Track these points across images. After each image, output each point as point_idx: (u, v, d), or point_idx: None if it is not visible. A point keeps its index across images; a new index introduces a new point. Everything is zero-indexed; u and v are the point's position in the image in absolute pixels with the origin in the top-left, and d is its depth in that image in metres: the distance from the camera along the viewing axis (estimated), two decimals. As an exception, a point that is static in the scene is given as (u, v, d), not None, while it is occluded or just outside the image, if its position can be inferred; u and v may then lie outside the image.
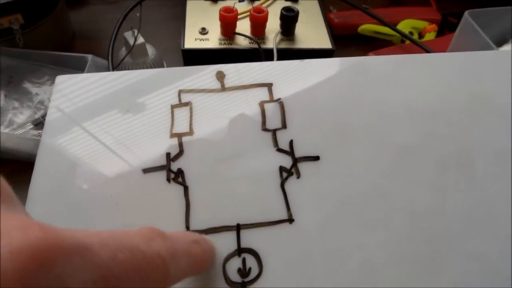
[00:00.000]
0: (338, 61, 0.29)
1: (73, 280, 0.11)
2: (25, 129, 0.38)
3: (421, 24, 0.51)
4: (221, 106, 0.27)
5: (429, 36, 0.50)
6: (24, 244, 0.11)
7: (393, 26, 0.47)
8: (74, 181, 0.24)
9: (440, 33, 0.52)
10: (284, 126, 0.26)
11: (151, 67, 0.41)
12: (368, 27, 0.50)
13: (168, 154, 0.25)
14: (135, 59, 0.41)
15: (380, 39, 0.51)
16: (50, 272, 0.11)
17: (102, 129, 0.26)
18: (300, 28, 0.45)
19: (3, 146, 0.35)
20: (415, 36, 0.50)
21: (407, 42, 0.49)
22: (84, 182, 0.24)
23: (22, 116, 0.39)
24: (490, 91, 0.27)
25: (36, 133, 0.38)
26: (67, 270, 0.11)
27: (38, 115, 0.39)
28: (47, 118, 0.27)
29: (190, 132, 0.26)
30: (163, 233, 0.16)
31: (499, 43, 0.42)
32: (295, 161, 0.25)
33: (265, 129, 0.26)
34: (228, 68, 0.29)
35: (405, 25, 0.51)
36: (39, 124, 0.38)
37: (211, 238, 0.22)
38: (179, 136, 0.26)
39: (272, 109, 0.27)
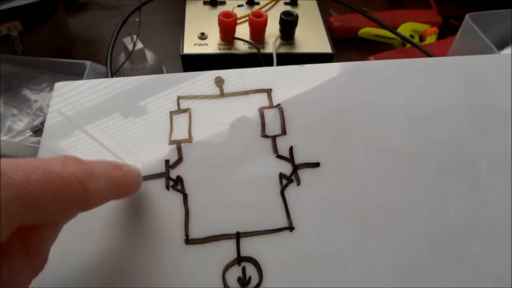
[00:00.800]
0: (338, 66, 0.29)
1: None
2: (24, 136, 0.38)
3: (422, 27, 0.51)
4: (220, 112, 0.27)
5: (430, 39, 0.50)
6: None
7: (393, 30, 0.47)
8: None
9: (441, 35, 0.52)
10: (283, 132, 0.26)
11: (150, 73, 0.41)
12: (368, 31, 0.50)
13: (167, 161, 0.25)
14: (134, 65, 0.41)
15: (381, 43, 0.51)
16: None
17: (101, 136, 0.26)
18: (299, 32, 0.44)
19: (2, 153, 0.35)
20: (416, 39, 0.50)
21: (408, 45, 0.49)
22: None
23: (21, 123, 0.39)
24: (492, 95, 0.26)
25: (35, 140, 0.38)
26: None
27: (37, 122, 0.39)
28: (46, 124, 0.27)
29: (189, 139, 0.26)
30: (79, 158, 0.17)
31: (501, 46, 0.42)
32: (295, 168, 0.24)
33: (264, 135, 0.26)
34: (227, 74, 0.29)
35: (405, 28, 0.50)
36: (38, 131, 0.38)
37: (211, 246, 0.22)
38: (178, 143, 0.26)
39: (271, 115, 0.26)
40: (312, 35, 0.45)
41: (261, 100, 0.27)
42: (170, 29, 0.53)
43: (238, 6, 0.47)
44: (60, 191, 0.15)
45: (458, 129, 0.25)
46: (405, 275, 0.21)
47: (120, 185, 0.19)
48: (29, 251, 0.16)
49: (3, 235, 0.13)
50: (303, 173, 0.24)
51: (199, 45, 0.43)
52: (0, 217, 0.12)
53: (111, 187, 0.18)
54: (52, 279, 0.21)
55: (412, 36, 0.50)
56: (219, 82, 0.28)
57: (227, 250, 0.22)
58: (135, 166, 0.22)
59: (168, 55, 0.48)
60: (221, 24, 0.42)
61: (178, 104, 0.27)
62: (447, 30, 0.53)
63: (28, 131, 0.39)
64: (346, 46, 0.51)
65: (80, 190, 0.16)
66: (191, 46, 0.43)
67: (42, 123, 0.38)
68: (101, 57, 0.43)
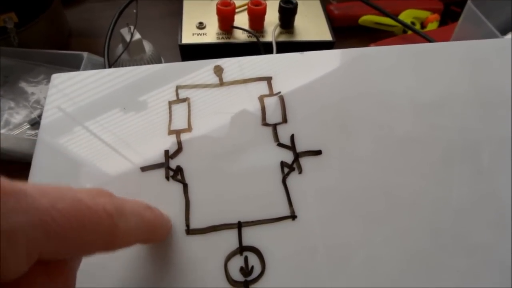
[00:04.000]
0: (339, 53, 0.28)
1: (7, 222, 0.11)
2: (21, 129, 0.38)
3: (423, 14, 0.50)
4: (220, 101, 0.27)
5: (432, 26, 0.49)
6: None
7: (394, 17, 0.47)
8: (71, 180, 0.24)
9: (442, 22, 0.52)
10: (284, 120, 0.25)
11: (148, 64, 0.41)
12: (369, 18, 0.49)
13: (166, 152, 0.25)
14: (132, 56, 0.40)
15: (382, 30, 0.50)
16: None
17: (99, 128, 0.26)
18: (299, 21, 0.44)
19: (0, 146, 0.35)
20: (417, 26, 0.50)
21: (409, 32, 0.48)
22: (81, 181, 0.24)
23: (18, 116, 0.39)
24: (495, 80, 0.26)
25: (33, 133, 0.37)
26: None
27: (34, 114, 0.39)
28: (43, 117, 0.26)
29: (189, 129, 0.25)
30: (111, 193, 0.16)
31: (504, 31, 0.41)
32: (297, 156, 0.24)
33: (265, 123, 0.25)
34: (226, 62, 0.28)
35: (406, 15, 0.50)
36: (35, 124, 0.38)
37: (212, 236, 0.22)
38: (178, 133, 0.25)
39: (272, 103, 0.26)
40: (312, 23, 0.44)
41: (261, 88, 0.27)
42: (168, 20, 0.52)
43: (237, -6, 0.46)
44: (87, 221, 0.13)
45: (462, 114, 0.25)
46: (410, 264, 0.21)
47: (151, 228, 0.18)
48: (56, 279, 0.14)
49: (22, 264, 0.12)
50: (304, 161, 0.24)
51: (198, 34, 0.43)
52: (18, 241, 0.11)
53: (141, 228, 0.17)
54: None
55: (413, 23, 0.49)
56: (218, 71, 0.28)
57: (228, 239, 0.22)
58: (166, 213, 0.21)
59: (167, 46, 0.47)
60: (219, 13, 0.41)
61: (177, 94, 0.27)
62: (448, 17, 0.53)
63: (25, 124, 0.38)
64: (347, 34, 0.50)
65: (108, 225, 0.14)
66: (189, 36, 0.42)
67: (40, 116, 0.38)
68: (99, 49, 0.42)
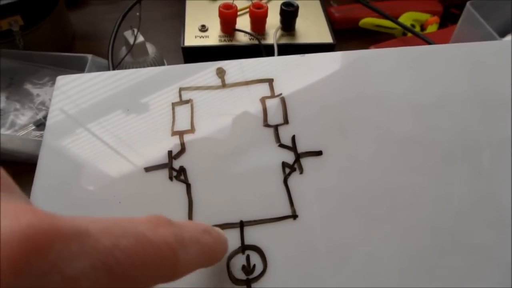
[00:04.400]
0: (339, 55, 0.29)
1: (70, 267, 0.11)
2: (27, 130, 0.38)
3: (423, 16, 0.51)
4: (222, 102, 0.27)
5: (431, 29, 0.50)
6: (14, 230, 0.10)
7: (394, 19, 0.47)
8: (76, 181, 0.24)
9: (442, 25, 0.52)
10: (286, 121, 0.26)
11: (151, 66, 0.41)
12: (369, 21, 0.50)
13: (169, 152, 0.25)
14: (135, 58, 0.41)
15: (382, 33, 0.51)
16: (44, 259, 0.10)
17: (103, 129, 0.26)
18: (300, 23, 0.44)
19: (5, 147, 0.35)
20: (417, 29, 0.50)
21: (409, 35, 0.49)
22: (86, 182, 0.24)
23: (23, 117, 0.39)
24: (494, 81, 0.26)
25: (38, 134, 0.38)
26: (63, 257, 0.11)
27: (39, 116, 0.39)
28: (48, 119, 0.27)
29: (192, 130, 0.26)
30: (171, 220, 0.15)
31: (502, 33, 0.42)
32: (298, 156, 0.24)
33: (267, 125, 0.26)
34: (228, 65, 0.29)
35: (406, 18, 0.50)
36: (40, 125, 0.38)
37: (215, 235, 0.22)
38: (181, 134, 0.26)
39: (273, 105, 0.26)
40: (313, 26, 0.45)
41: (263, 90, 0.27)
42: (171, 23, 0.52)
43: (239, -3, 0.46)
44: (150, 258, 0.13)
45: (461, 115, 0.25)
46: (410, 264, 0.21)
47: (209, 253, 0.17)
48: None
49: None
50: (306, 162, 0.24)
51: (200, 37, 0.43)
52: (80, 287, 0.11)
53: (201, 255, 0.16)
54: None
55: (413, 26, 0.50)
56: (221, 73, 0.28)
57: (231, 238, 0.22)
58: (221, 231, 0.20)
59: (169, 48, 0.48)
60: (221, 15, 0.42)
61: (180, 95, 0.27)
62: (448, 19, 0.53)
63: (31, 125, 0.39)
64: (347, 36, 0.51)
65: (170, 258, 0.14)
66: (192, 39, 0.43)
67: (45, 117, 0.38)
68: (102, 51, 0.43)
